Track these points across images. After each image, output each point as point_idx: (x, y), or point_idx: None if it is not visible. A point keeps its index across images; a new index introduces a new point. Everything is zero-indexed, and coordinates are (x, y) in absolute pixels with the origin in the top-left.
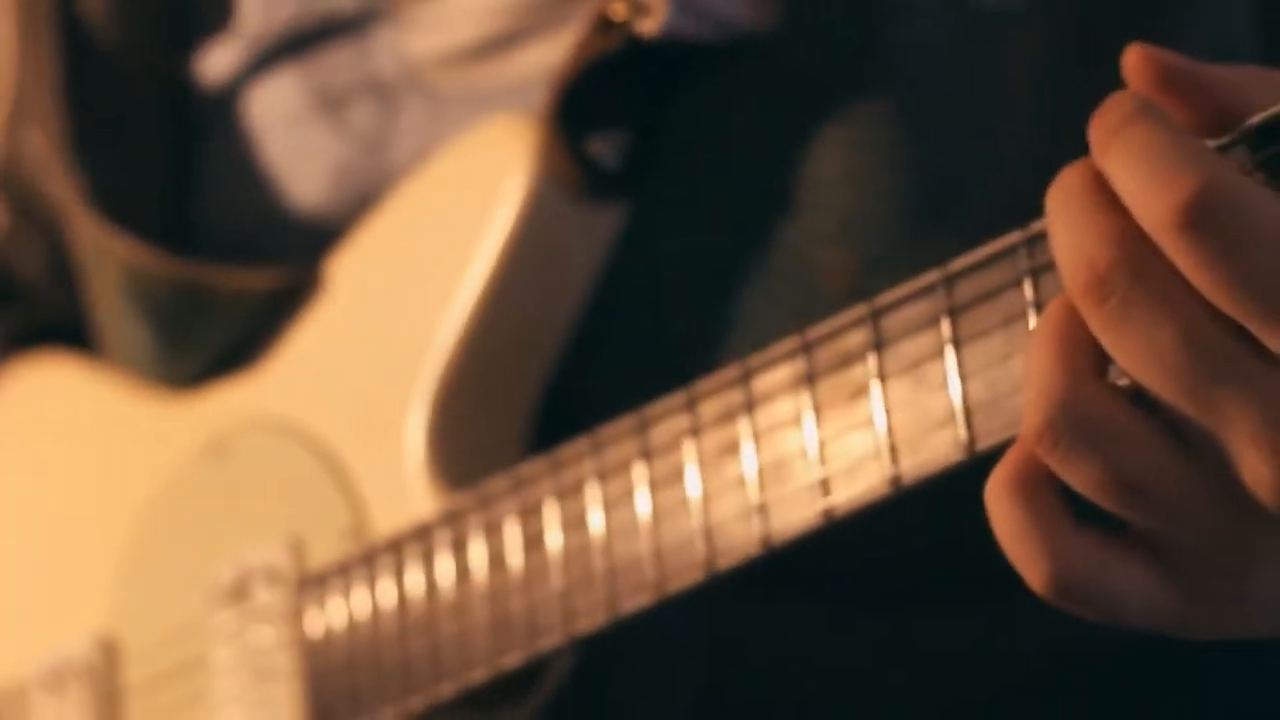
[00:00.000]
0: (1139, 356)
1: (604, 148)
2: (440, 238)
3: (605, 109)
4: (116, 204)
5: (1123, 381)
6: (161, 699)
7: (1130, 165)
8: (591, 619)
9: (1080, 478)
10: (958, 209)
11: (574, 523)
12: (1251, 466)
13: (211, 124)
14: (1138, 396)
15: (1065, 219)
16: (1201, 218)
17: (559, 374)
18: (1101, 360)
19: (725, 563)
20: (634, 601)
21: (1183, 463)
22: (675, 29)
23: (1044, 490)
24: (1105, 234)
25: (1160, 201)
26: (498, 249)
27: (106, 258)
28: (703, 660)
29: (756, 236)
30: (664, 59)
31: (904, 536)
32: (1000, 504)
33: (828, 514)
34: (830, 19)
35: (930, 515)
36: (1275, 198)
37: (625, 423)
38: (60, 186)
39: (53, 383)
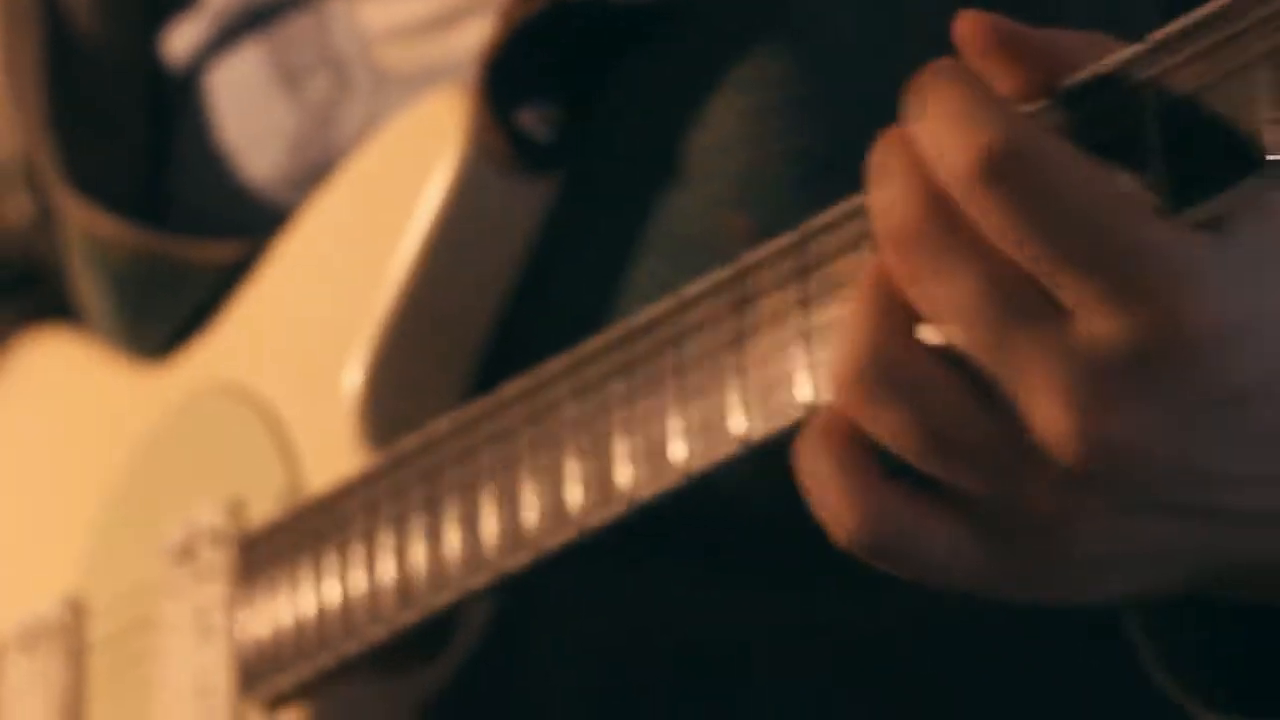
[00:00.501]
0: (942, 309)
1: (537, 120)
2: (378, 211)
3: (536, 79)
4: (93, 182)
5: (934, 339)
6: (119, 655)
7: (932, 121)
8: (479, 578)
9: (885, 430)
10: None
11: (469, 486)
12: (1046, 418)
13: (181, 100)
14: (947, 353)
15: (878, 177)
16: (995, 170)
17: (497, 341)
18: (912, 316)
19: (593, 522)
20: (515, 560)
21: (986, 417)
22: None
23: (851, 444)
24: (911, 190)
25: (957, 155)
26: (429, 221)
27: (79, 231)
28: (617, 622)
29: (667, 204)
30: (592, 23)
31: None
32: (808, 458)
33: (686, 473)
34: None
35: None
36: (1073, 154)
37: (519, 384)
38: (42, 166)
39: (47, 357)
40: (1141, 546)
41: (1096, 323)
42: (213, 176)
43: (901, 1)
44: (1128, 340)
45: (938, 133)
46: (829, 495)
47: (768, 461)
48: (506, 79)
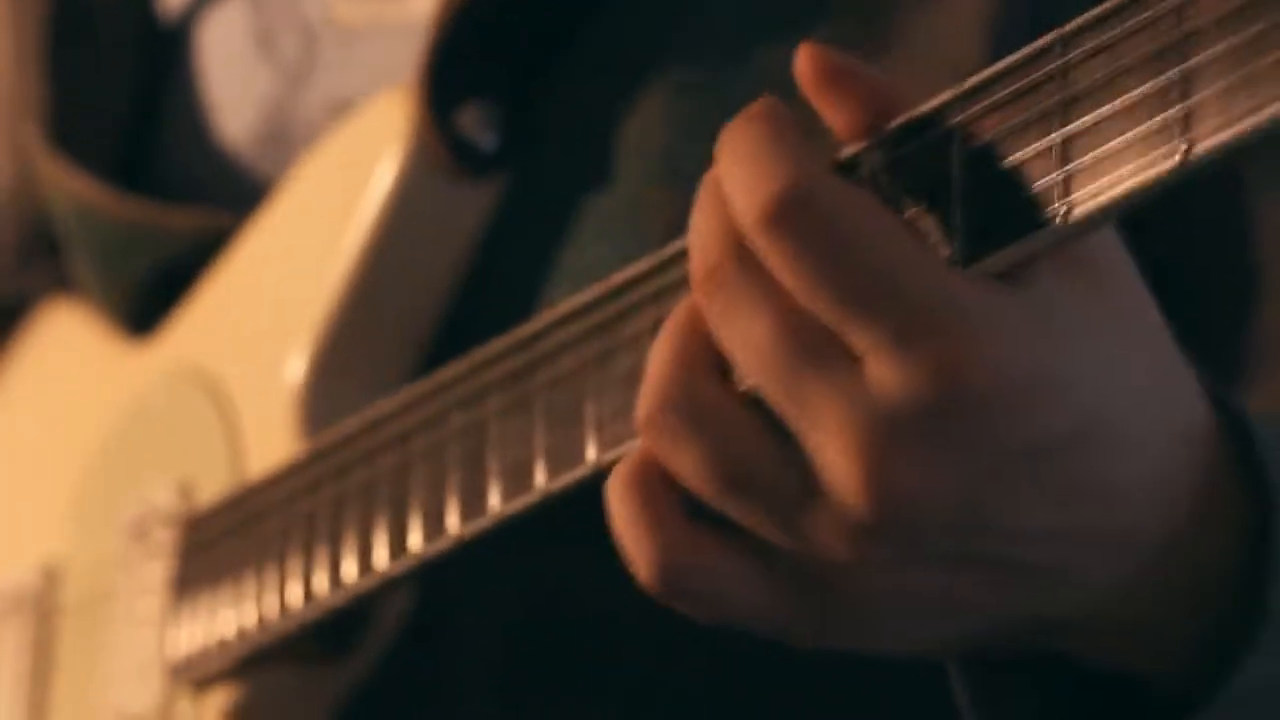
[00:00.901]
0: (741, 350)
1: (480, 122)
2: (328, 210)
3: (478, 70)
4: (75, 137)
5: (739, 381)
6: (84, 623)
7: (730, 163)
8: (369, 583)
9: (681, 467)
10: None
11: (368, 486)
12: (834, 465)
13: (173, 54)
14: (749, 396)
15: (694, 214)
16: (780, 215)
17: (445, 334)
18: (716, 356)
19: (467, 535)
20: (400, 567)
21: (781, 461)
22: None
23: (656, 483)
24: (716, 229)
25: (748, 198)
26: (371, 225)
27: (55, 191)
28: (521, 608)
29: (600, 188)
30: (534, 10)
31: None
32: (614, 494)
33: (546, 494)
34: None
35: None
36: (863, 200)
37: (420, 387)
38: (30, 127)
39: (59, 327)
40: (934, 599)
41: (883, 371)
42: (194, 134)
43: None
44: (914, 390)
45: (733, 175)
46: (631, 536)
47: None
48: (449, 72)
